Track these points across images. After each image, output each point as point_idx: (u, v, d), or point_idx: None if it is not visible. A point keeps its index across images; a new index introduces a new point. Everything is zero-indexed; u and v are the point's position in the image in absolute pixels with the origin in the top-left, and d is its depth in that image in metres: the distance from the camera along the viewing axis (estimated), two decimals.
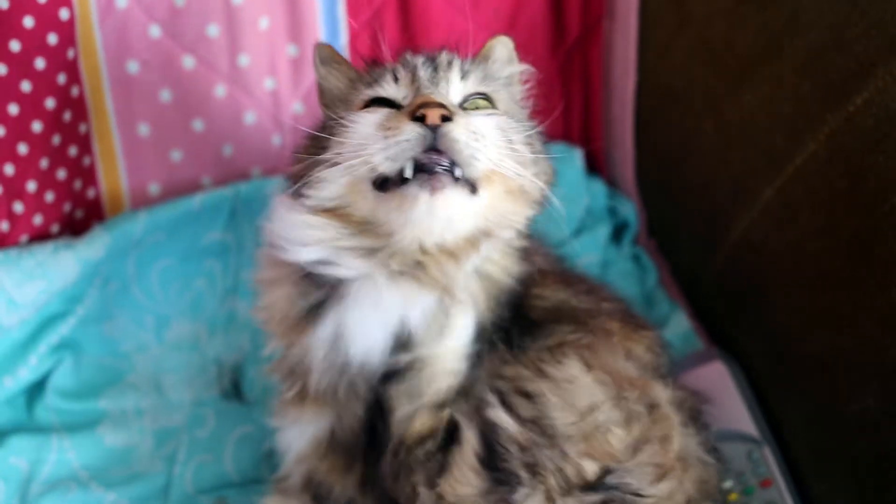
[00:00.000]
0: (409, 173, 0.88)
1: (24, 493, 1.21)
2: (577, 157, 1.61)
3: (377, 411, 0.95)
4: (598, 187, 1.62)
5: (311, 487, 1.07)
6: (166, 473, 1.25)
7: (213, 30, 1.43)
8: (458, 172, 0.88)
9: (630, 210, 1.60)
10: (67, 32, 1.30)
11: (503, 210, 0.95)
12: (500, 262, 1.00)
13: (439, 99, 0.91)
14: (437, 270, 0.94)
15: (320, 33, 1.47)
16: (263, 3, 1.44)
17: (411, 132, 0.88)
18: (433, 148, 0.88)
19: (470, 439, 0.90)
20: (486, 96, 0.98)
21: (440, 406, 0.92)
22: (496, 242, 0.98)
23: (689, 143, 1.39)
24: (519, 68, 1.07)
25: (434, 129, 0.88)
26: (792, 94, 1.14)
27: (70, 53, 1.32)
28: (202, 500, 1.22)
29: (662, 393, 0.95)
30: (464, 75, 0.98)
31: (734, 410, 1.20)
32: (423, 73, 0.97)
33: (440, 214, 0.89)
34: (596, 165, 1.66)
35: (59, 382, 1.32)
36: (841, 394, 1.05)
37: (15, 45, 1.25)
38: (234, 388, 1.37)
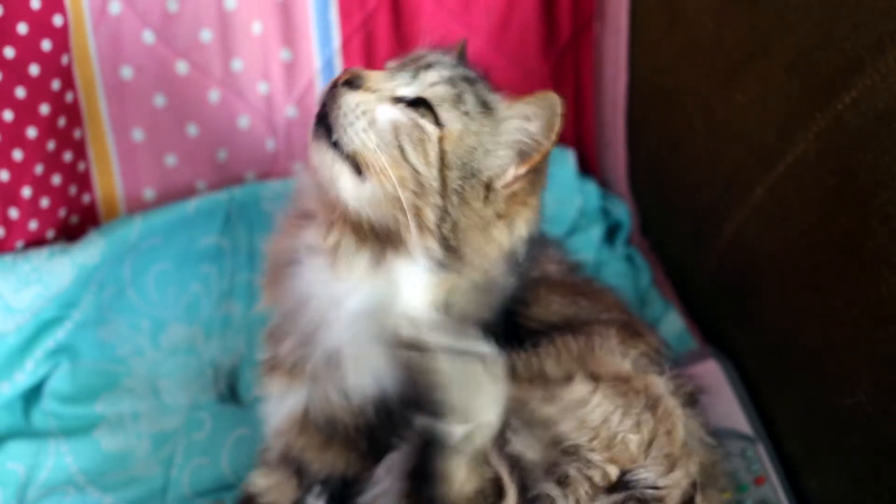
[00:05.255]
0: (315, 118, 0.95)
1: (21, 498, 1.22)
2: (569, 157, 1.62)
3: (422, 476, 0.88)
4: (591, 188, 1.62)
5: (290, 461, 1.08)
6: (163, 476, 1.25)
7: (207, 35, 1.43)
8: (332, 136, 0.93)
9: (623, 210, 1.60)
10: (61, 39, 1.31)
11: (395, 217, 0.94)
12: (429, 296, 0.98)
13: (366, 74, 0.96)
14: (335, 234, 0.97)
15: (313, 38, 1.48)
16: (256, 8, 1.44)
17: (327, 85, 0.96)
18: (325, 103, 0.94)
19: (511, 492, 0.88)
20: (431, 108, 0.96)
21: (482, 461, 0.87)
22: (409, 264, 0.96)
23: (681, 143, 1.40)
24: (546, 141, 0.98)
25: (335, 87, 0.94)
26: (781, 92, 1.15)
27: (64, 59, 1.32)
28: (199, 503, 1.23)
29: (662, 386, 0.96)
30: (434, 81, 0.98)
31: (728, 408, 1.20)
32: (405, 59, 1.01)
33: (318, 164, 0.95)
34: (588, 166, 1.67)
35: (56, 387, 1.32)
36: (833, 390, 1.06)
37: (9, 52, 1.25)
38: (231, 391, 1.37)
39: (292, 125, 1.52)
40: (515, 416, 0.91)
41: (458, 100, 0.97)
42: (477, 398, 0.82)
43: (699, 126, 1.33)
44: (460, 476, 0.85)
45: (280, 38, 1.48)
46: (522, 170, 0.99)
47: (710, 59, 1.29)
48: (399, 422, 0.94)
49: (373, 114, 0.93)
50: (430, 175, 0.94)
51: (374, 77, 0.96)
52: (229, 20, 1.43)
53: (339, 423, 1.01)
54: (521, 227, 1.01)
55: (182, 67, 1.43)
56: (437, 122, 0.95)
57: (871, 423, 1.00)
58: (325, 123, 0.93)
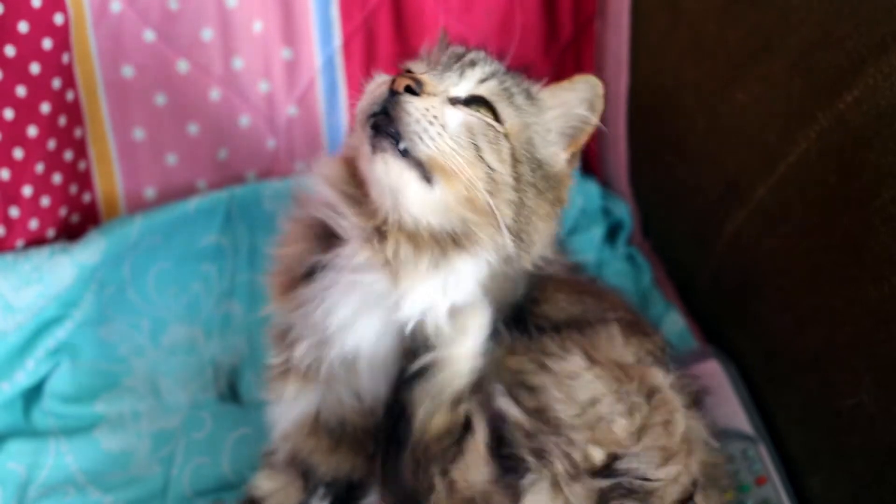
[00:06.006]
0: (367, 129, 0.92)
1: (21, 498, 1.21)
2: None
3: (397, 412, 0.96)
4: (592, 188, 1.62)
5: (297, 463, 1.08)
6: (164, 476, 1.25)
7: (207, 33, 1.43)
8: (401, 145, 0.91)
9: (624, 210, 1.60)
10: (62, 37, 1.30)
11: (467, 219, 0.94)
12: (482, 286, 0.99)
13: (423, 78, 0.94)
14: (392, 247, 0.95)
15: (314, 36, 1.48)
16: (257, 7, 1.44)
17: (378, 92, 0.92)
18: (388, 112, 0.91)
19: (480, 430, 0.91)
20: (490, 105, 0.97)
21: (457, 403, 0.93)
22: (472, 260, 0.96)
23: (682, 143, 1.40)
24: (591, 119, 1.02)
25: (395, 95, 0.91)
26: (783, 92, 1.15)
27: (65, 58, 1.32)
28: (200, 503, 1.23)
29: (663, 378, 0.96)
30: (483, 78, 0.98)
31: (729, 408, 1.20)
32: (445, 59, 1.00)
33: (381, 178, 0.92)
34: (590, 166, 1.67)
35: (57, 386, 1.32)
36: (835, 390, 1.06)
37: (10, 50, 1.25)
38: (231, 391, 1.37)
39: (293, 124, 1.52)
40: (507, 380, 0.93)
41: (508, 94, 0.99)
42: (438, 332, 0.88)
43: (700, 126, 1.33)
44: (426, 410, 0.90)
45: (281, 36, 1.48)
46: (570, 153, 1.03)
47: (712, 59, 1.29)
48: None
49: (443, 117, 0.92)
50: (505, 172, 0.95)
51: (430, 80, 0.94)
52: (230, 19, 1.43)
53: (348, 426, 1.01)
54: (562, 208, 1.04)
55: (183, 66, 1.43)
56: (497, 119, 0.96)
57: (872, 423, 1.00)
58: (386, 133, 0.91)
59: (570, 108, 1.02)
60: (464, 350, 0.94)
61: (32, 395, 1.32)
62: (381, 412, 1.00)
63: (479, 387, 0.94)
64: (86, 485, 1.24)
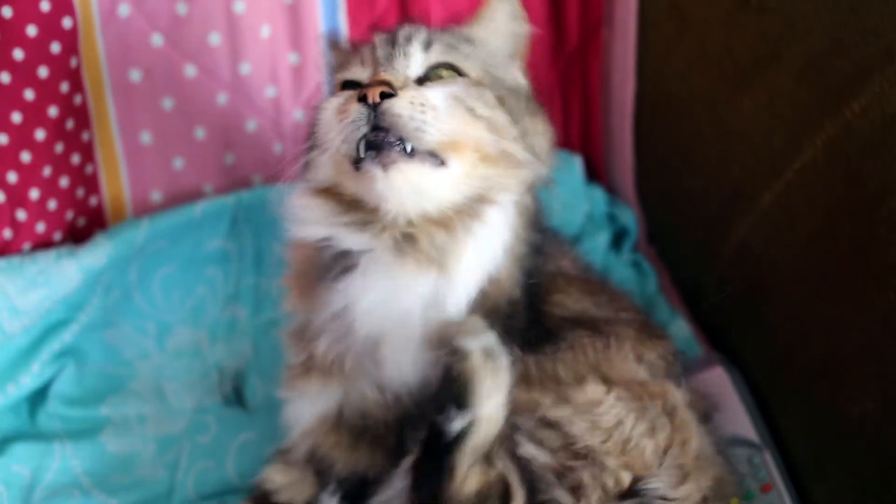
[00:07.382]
0: (362, 152, 0.92)
1: (26, 500, 1.21)
2: (576, 164, 1.62)
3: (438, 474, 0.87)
4: (598, 194, 1.62)
5: (314, 461, 1.08)
6: (168, 480, 1.25)
7: (215, 38, 1.43)
8: (408, 146, 0.91)
9: (630, 217, 1.60)
10: (70, 41, 1.31)
11: (487, 175, 0.96)
12: (512, 228, 1.01)
13: (385, 76, 0.94)
14: (427, 243, 0.95)
15: (321, 41, 1.48)
16: (265, 12, 1.45)
17: (356, 113, 0.92)
18: (378, 125, 0.91)
19: (519, 496, 0.87)
20: (450, 65, 0.99)
21: (489, 457, 0.86)
22: (499, 208, 0.98)
23: (689, 150, 1.40)
24: (523, 28, 1.08)
25: (376, 106, 0.91)
26: (790, 100, 1.15)
27: (73, 62, 1.32)
28: None
29: (679, 396, 0.96)
30: (426, 47, 0.99)
31: (735, 415, 1.20)
32: (382, 51, 1.00)
33: (401, 187, 0.93)
34: (595, 172, 1.67)
35: (62, 389, 1.32)
36: (841, 398, 1.06)
37: (18, 54, 1.25)
38: (236, 395, 1.37)
39: (300, 129, 1.52)
40: (526, 418, 0.91)
41: (454, 48, 1.01)
42: (478, 388, 0.82)
43: (707, 133, 1.33)
44: (461, 471, 0.84)
45: (288, 41, 1.48)
46: (522, 64, 1.09)
47: (719, 67, 1.29)
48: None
49: (429, 100, 0.93)
50: (499, 115, 0.98)
51: (393, 76, 0.95)
52: (237, 23, 1.44)
53: (370, 420, 1.01)
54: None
55: (190, 70, 1.43)
56: (462, 74, 0.99)
57: (878, 430, 0.99)
58: (389, 145, 0.91)
59: (502, 30, 1.07)
60: (496, 404, 0.85)
61: (38, 398, 1.32)
62: (406, 402, 0.98)
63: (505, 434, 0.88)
64: (91, 488, 1.24)
